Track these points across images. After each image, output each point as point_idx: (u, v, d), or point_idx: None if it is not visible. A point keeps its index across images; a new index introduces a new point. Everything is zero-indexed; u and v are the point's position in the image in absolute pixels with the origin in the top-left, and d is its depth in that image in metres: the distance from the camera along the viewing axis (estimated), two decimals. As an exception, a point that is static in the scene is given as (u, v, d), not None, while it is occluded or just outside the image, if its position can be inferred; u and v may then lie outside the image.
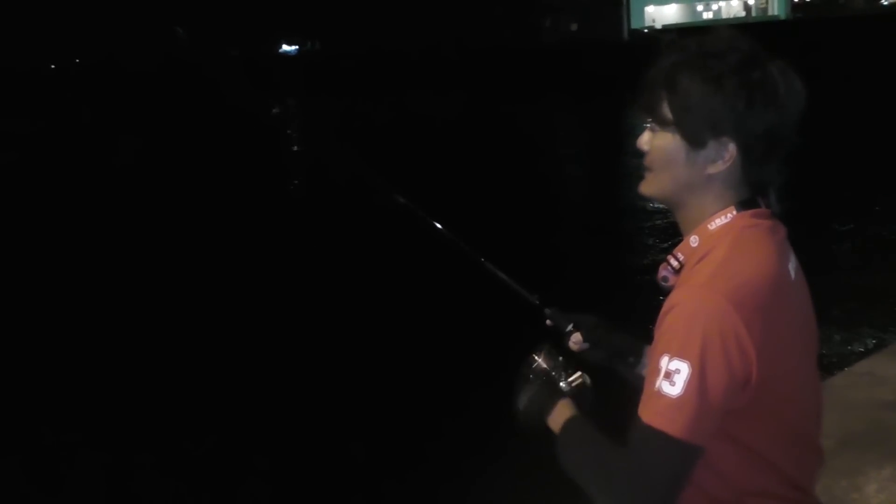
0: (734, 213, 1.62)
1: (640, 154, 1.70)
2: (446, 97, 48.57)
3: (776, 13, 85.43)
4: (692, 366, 1.46)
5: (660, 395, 1.48)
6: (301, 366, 8.56)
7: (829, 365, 7.03)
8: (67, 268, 13.82)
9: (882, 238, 13.10)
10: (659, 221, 14.04)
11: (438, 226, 2.19)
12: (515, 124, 35.24)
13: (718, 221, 1.62)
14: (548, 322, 2.11)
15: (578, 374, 1.89)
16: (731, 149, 1.59)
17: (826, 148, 21.72)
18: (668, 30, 66.58)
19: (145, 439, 7.66)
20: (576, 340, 2.06)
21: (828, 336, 8.33)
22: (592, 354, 2.05)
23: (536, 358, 1.90)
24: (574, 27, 79.08)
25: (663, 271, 1.69)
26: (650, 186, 1.70)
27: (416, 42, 74.55)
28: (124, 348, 9.82)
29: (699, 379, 1.46)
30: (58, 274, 13.46)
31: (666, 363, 1.49)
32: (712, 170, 1.61)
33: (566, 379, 1.87)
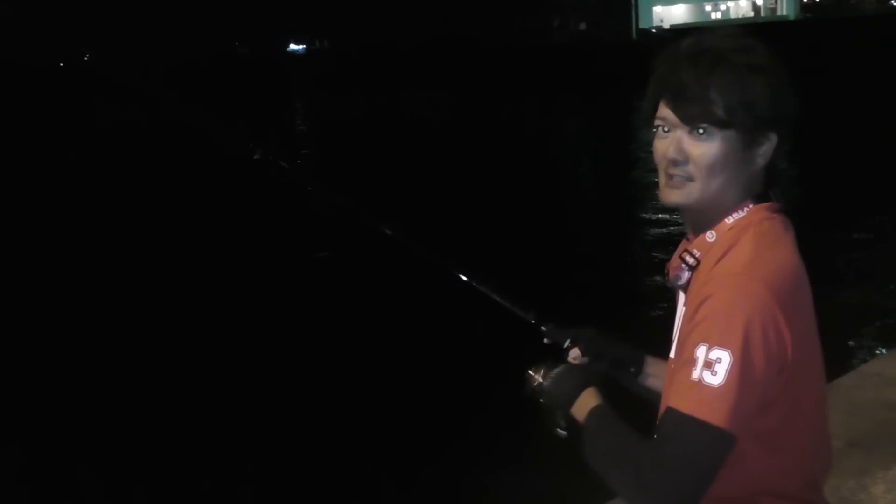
0: (750, 206, 1.61)
1: (673, 164, 1.61)
2: (453, 96, 48.55)
3: (785, 13, 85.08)
4: (734, 354, 1.45)
5: (700, 385, 1.45)
6: (303, 389, 8.47)
7: (837, 365, 7.02)
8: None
9: (889, 232, 13.06)
10: (658, 229, 14.00)
11: (429, 254, 2.14)
12: (523, 124, 35.22)
13: (736, 216, 1.61)
14: (545, 339, 2.09)
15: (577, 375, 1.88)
16: (774, 139, 1.59)
17: (833, 145, 21.71)
18: (677, 29, 66.42)
19: (145, 440, 7.67)
20: (574, 356, 2.03)
21: (835, 335, 8.31)
22: (593, 367, 2.01)
23: (536, 376, 1.88)
24: (583, 27, 78.89)
25: (677, 270, 1.67)
26: (690, 194, 1.62)
27: (424, 40, 74.49)
28: (124, 351, 9.84)
29: (741, 367, 1.45)
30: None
31: (704, 353, 1.46)
32: (756, 166, 1.60)
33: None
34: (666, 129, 1.62)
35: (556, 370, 1.85)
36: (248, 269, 12.90)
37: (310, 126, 46.02)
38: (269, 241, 14.68)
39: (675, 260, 1.70)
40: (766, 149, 1.60)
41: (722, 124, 1.56)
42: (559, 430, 1.78)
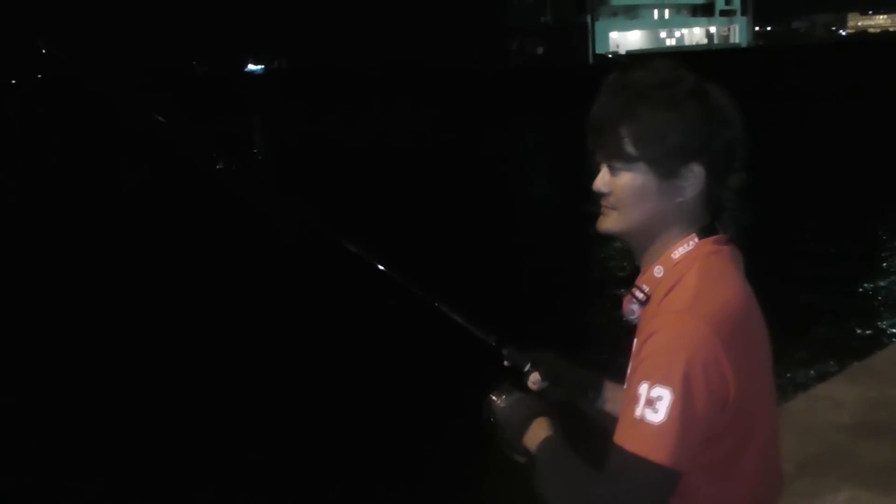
0: (696, 240, 1.62)
1: (599, 196, 1.66)
2: (411, 117, 48.66)
3: (738, 41, 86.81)
4: (675, 392, 1.46)
5: (642, 422, 1.47)
6: (265, 413, 8.41)
7: (788, 388, 7.11)
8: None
9: (842, 260, 13.31)
10: (620, 254, 14.10)
11: (389, 272, 2.12)
12: (480, 146, 35.38)
13: (682, 250, 1.62)
14: (506, 362, 2.08)
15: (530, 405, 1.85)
16: (699, 172, 1.60)
17: (786, 170, 22.13)
18: (633, 55, 67.38)
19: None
20: (534, 380, 2.02)
21: (787, 359, 8.43)
22: (552, 392, 2.01)
23: (496, 399, 1.87)
24: (540, 51, 79.67)
25: (629, 304, 1.68)
26: (615, 223, 1.67)
27: (383, 61, 74.66)
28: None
29: (682, 405, 1.46)
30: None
31: (647, 390, 1.48)
32: (682, 197, 1.61)
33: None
34: (597, 161, 1.68)
35: (509, 400, 1.85)
36: (200, 288, 12.75)
37: (267, 144, 45.81)
38: (228, 258, 14.52)
39: (628, 295, 1.71)
40: (691, 182, 1.60)
41: (631, 158, 1.60)
42: (517, 457, 1.78)
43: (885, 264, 13.27)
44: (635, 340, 1.63)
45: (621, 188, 1.63)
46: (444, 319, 2.10)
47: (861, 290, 11.80)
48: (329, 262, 2.63)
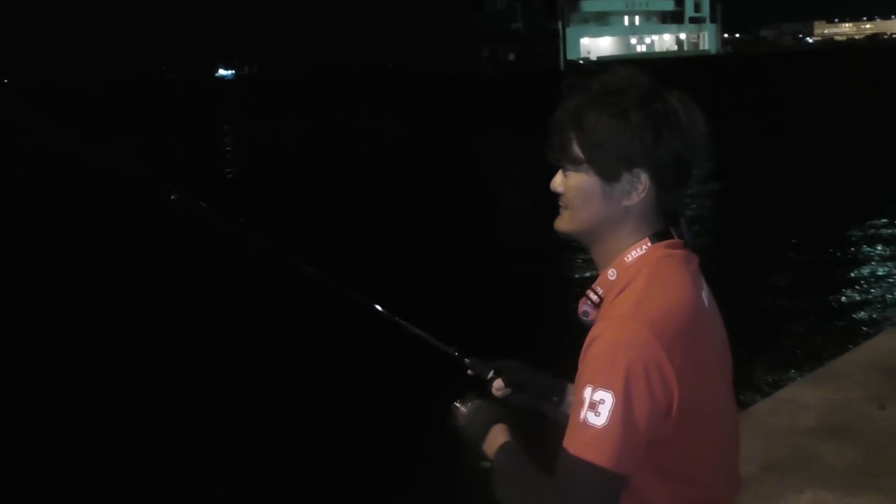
0: (649, 244, 1.64)
1: (555, 195, 1.71)
2: (382, 123, 48.64)
3: (707, 48, 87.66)
4: (616, 395, 1.47)
5: (585, 425, 1.48)
6: (231, 426, 8.36)
7: (752, 391, 7.17)
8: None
9: (807, 266, 13.45)
10: (581, 257, 14.17)
11: (348, 292, 2.15)
12: (449, 152, 35.43)
13: (634, 254, 1.65)
14: (469, 371, 2.09)
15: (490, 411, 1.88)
16: (644, 179, 1.62)
17: (753, 176, 22.36)
18: (604, 61, 67.87)
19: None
20: (498, 387, 2.04)
21: (752, 363, 8.50)
22: (516, 398, 2.03)
23: (461, 407, 1.89)
24: (511, 57, 79.98)
25: (584, 306, 1.70)
26: (568, 223, 1.71)
27: (354, 67, 74.58)
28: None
29: (623, 408, 1.47)
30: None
31: (590, 394, 1.49)
32: (628, 202, 1.64)
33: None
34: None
35: (469, 408, 1.87)
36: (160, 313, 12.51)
37: (235, 150, 45.59)
38: (189, 282, 14.29)
39: (584, 297, 1.73)
40: (636, 188, 1.62)
41: (577, 161, 1.64)
42: (483, 463, 1.81)
43: (849, 270, 13.43)
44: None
45: (570, 189, 1.67)
46: (406, 334, 2.11)
47: (825, 294, 11.92)
48: (291, 284, 2.62)
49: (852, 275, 13.01)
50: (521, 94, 54.07)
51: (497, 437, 1.77)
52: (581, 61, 74.45)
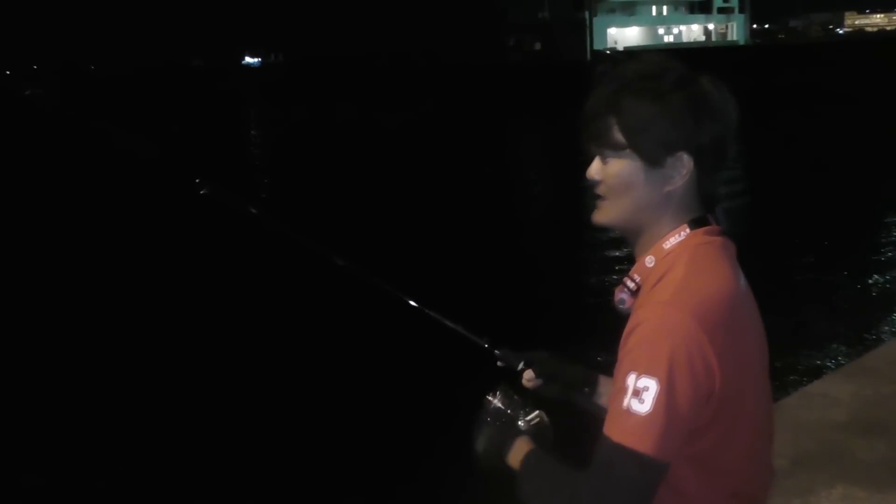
0: (687, 230, 1.64)
1: (591, 184, 1.69)
2: (408, 111, 48.62)
3: (735, 38, 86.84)
4: (660, 382, 1.46)
5: (629, 413, 1.47)
6: (266, 417, 8.40)
7: (782, 385, 7.12)
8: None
9: (838, 259, 13.34)
10: (609, 251, 14.08)
11: (380, 283, 2.14)
12: (477, 142, 35.37)
13: (673, 240, 1.64)
14: (499, 363, 2.10)
15: (536, 412, 1.86)
16: (687, 162, 1.61)
17: (782, 169, 22.15)
18: (630, 51, 67.42)
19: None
20: (529, 378, 2.05)
21: (783, 356, 8.44)
22: (547, 389, 2.04)
23: (492, 400, 1.88)
24: (538, 46, 79.61)
25: (620, 294, 1.69)
26: (607, 214, 1.69)
27: (379, 56, 74.58)
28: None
29: (668, 395, 1.46)
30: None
31: (633, 381, 1.48)
32: (670, 187, 1.63)
33: (524, 418, 1.85)
34: (589, 151, 1.71)
35: (487, 431, 1.84)
36: (195, 306, 12.56)
37: (263, 138, 45.74)
38: (221, 273, 14.33)
39: (620, 285, 1.72)
40: (678, 171, 1.62)
41: (618, 146, 1.63)
42: (505, 473, 1.79)
43: (882, 264, 13.30)
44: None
45: (610, 176, 1.66)
46: (437, 326, 2.11)
47: (857, 288, 11.83)
48: (322, 275, 2.63)
49: (885, 269, 12.88)
50: (548, 83, 53.87)
51: (522, 448, 1.76)
52: (608, 51, 73.95)
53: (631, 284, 1.67)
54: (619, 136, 1.63)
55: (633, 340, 1.53)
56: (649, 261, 1.65)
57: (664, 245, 1.64)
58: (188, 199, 2.31)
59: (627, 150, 1.63)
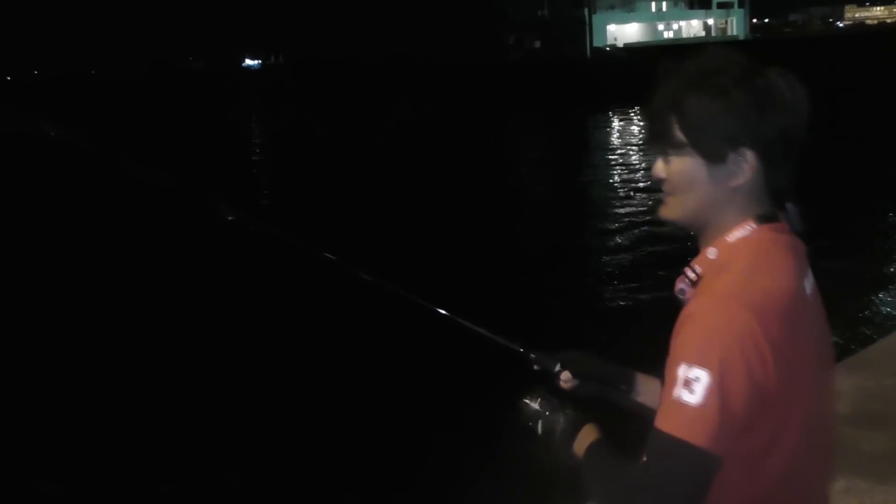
0: (753, 225, 1.63)
1: (658, 183, 1.70)
2: (411, 112, 48.55)
3: (735, 34, 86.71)
4: (712, 374, 1.44)
5: (679, 403, 1.45)
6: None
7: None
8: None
9: (840, 251, 13.32)
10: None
11: (411, 297, 2.16)
12: (481, 141, 35.33)
13: (737, 234, 1.63)
14: (535, 367, 2.10)
15: (576, 413, 1.88)
16: (751, 158, 1.60)
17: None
18: (630, 48, 67.32)
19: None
20: (565, 379, 2.05)
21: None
22: (584, 389, 2.05)
23: (531, 403, 1.89)
24: (537, 44, 79.53)
25: (680, 284, 1.68)
26: (673, 210, 1.69)
27: (379, 56, 74.55)
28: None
29: (719, 387, 1.44)
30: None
31: (684, 371, 1.46)
32: (735, 182, 1.62)
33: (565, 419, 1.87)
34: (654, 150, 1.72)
35: (552, 416, 1.86)
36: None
37: (262, 137, 45.73)
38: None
39: (682, 275, 1.70)
40: (742, 167, 1.61)
41: (680, 144, 1.62)
42: (571, 462, 1.80)
43: (883, 255, 13.30)
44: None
45: (674, 174, 1.66)
46: (470, 333, 2.12)
47: (859, 280, 11.82)
48: (351, 288, 2.65)
49: (887, 261, 12.88)
50: (549, 81, 53.81)
51: (589, 435, 1.78)
52: (608, 48, 73.85)
53: (692, 275, 1.65)
54: (679, 134, 1.62)
55: (686, 331, 1.51)
56: (711, 252, 1.64)
57: (728, 238, 1.63)
58: (214, 227, 2.33)
59: (688, 148, 1.62)
